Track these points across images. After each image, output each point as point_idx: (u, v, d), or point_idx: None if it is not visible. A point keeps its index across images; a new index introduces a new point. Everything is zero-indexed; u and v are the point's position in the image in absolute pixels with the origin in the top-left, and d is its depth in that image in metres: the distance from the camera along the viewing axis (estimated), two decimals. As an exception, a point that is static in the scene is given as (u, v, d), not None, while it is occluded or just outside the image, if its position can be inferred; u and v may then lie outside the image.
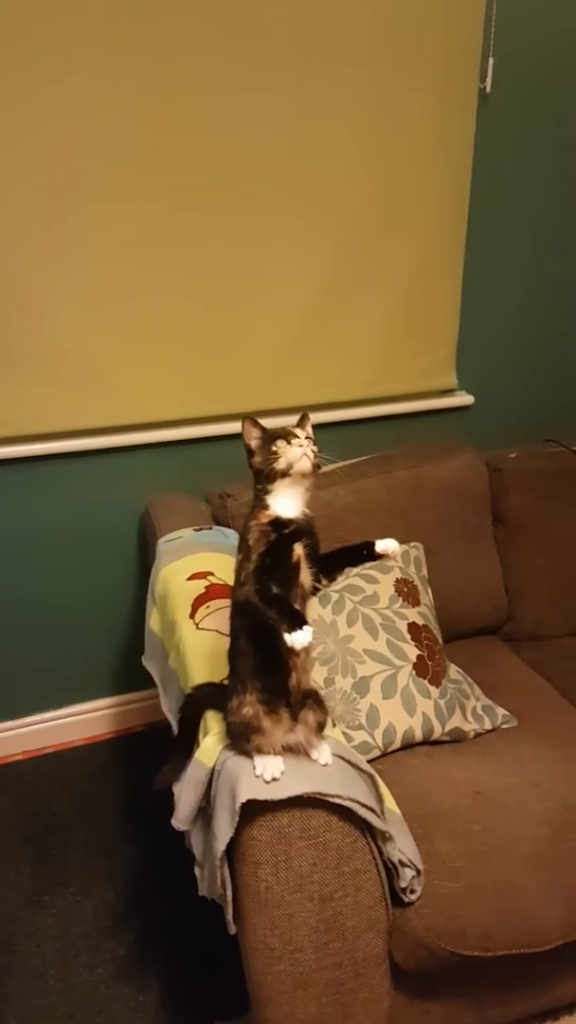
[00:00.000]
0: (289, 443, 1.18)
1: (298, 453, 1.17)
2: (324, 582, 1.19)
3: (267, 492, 1.19)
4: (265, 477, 1.19)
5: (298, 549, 1.16)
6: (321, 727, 1.25)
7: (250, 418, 1.23)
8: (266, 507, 1.18)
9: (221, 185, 1.94)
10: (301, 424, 1.26)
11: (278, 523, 1.16)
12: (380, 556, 1.19)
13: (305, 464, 1.17)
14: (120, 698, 2.37)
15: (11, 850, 1.97)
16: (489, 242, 2.29)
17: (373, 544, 1.19)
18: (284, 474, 1.17)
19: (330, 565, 1.20)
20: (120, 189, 1.86)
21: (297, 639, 1.07)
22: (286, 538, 1.16)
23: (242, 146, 1.92)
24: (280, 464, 1.17)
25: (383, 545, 1.18)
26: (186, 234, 1.94)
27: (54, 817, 2.07)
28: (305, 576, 1.17)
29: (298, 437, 1.19)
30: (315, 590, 1.20)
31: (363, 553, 1.19)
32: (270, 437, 1.21)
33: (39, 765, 2.26)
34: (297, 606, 1.15)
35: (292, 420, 2.11)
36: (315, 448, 1.19)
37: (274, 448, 1.18)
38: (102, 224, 1.87)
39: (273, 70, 1.88)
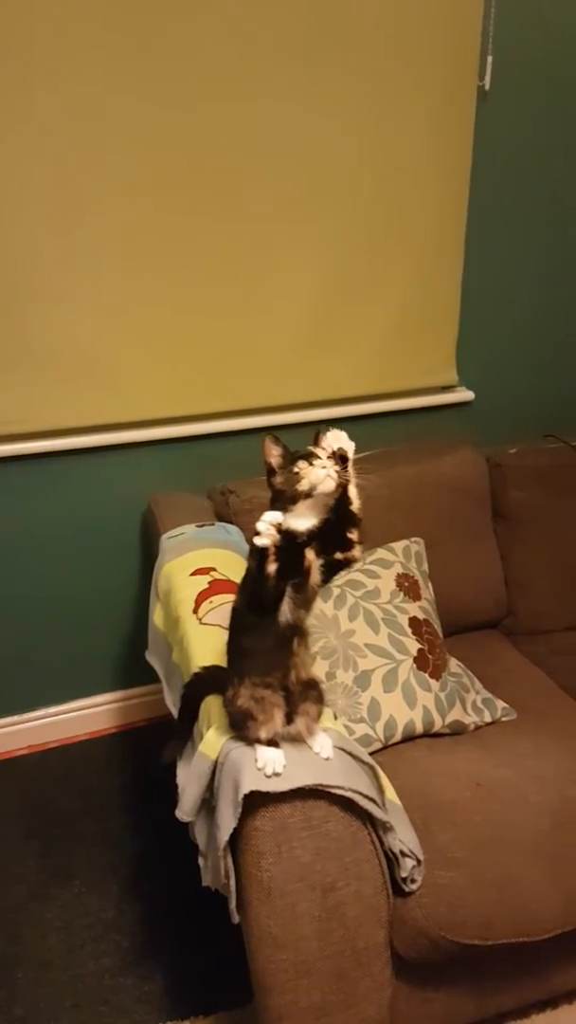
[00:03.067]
0: (311, 464, 1.15)
1: (321, 475, 1.14)
2: (355, 551, 1.19)
3: (286, 511, 1.15)
4: (288, 498, 1.16)
5: (309, 555, 1.16)
6: (319, 716, 1.26)
7: (271, 435, 1.20)
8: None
9: (225, 184, 1.94)
10: (317, 442, 1.22)
11: (291, 534, 1.14)
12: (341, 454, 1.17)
13: (328, 485, 1.14)
14: (123, 693, 2.39)
15: (17, 843, 1.99)
16: (489, 239, 2.30)
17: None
18: (307, 495, 1.14)
19: (337, 535, 1.18)
20: (124, 192, 1.87)
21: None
22: (298, 547, 1.15)
23: (246, 147, 1.93)
24: (303, 486, 1.14)
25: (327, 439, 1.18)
26: (190, 233, 1.95)
27: (59, 811, 2.09)
28: (315, 578, 1.17)
29: (320, 458, 1.16)
30: (337, 564, 1.20)
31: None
32: (292, 457, 1.18)
33: (44, 759, 2.28)
34: (302, 609, 1.18)
35: (295, 416, 2.18)
36: (338, 468, 1.15)
37: (296, 469, 1.15)
38: (106, 225, 1.88)
39: (274, 74, 1.89)
